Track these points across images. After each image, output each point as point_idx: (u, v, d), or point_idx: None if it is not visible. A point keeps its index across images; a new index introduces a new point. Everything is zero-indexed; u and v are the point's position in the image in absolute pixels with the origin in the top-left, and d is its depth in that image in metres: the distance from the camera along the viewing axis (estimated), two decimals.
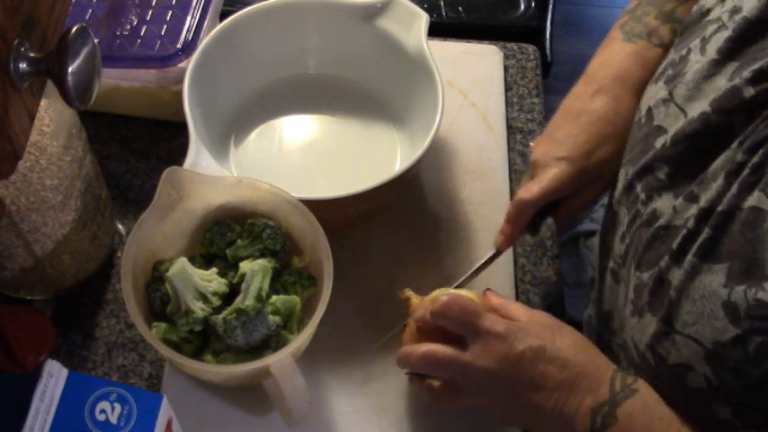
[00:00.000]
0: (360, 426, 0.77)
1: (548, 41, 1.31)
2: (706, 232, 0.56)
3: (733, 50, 0.60)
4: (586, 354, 0.65)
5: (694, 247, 0.57)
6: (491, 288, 0.73)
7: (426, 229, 0.90)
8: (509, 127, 0.99)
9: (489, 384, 0.65)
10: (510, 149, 0.97)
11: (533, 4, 1.22)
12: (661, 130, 0.64)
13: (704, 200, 0.57)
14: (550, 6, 1.36)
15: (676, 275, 0.58)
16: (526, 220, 0.76)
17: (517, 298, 0.85)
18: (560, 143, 0.75)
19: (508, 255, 0.88)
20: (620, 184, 0.69)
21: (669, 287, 0.59)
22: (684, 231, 0.58)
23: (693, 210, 0.58)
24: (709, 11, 0.66)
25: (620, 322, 0.69)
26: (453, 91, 1.00)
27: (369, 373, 0.79)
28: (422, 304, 0.71)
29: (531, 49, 1.07)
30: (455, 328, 0.66)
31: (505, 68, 1.04)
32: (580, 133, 0.74)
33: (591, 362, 0.64)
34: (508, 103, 1.01)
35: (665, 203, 0.62)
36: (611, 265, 0.70)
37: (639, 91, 0.74)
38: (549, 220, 0.81)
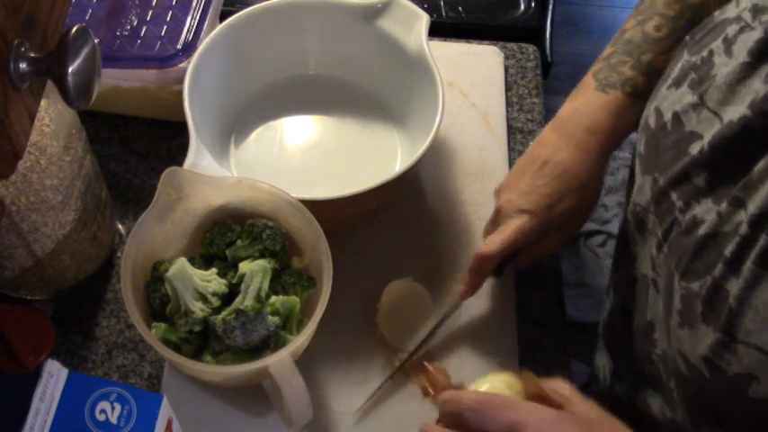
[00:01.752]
0: (359, 426, 0.77)
1: (548, 41, 1.31)
2: (764, 239, 0.55)
3: (765, 51, 0.58)
4: None
5: (753, 255, 0.55)
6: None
7: (426, 229, 0.89)
8: (509, 127, 0.99)
9: None
10: (510, 150, 0.97)
11: (533, 4, 1.22)
12: (695, 135, 0.62)
13: (753, 205, 0.56)
14: (550, 6, 1.36)
15: (734, 285, 0.56)
16: (489, 272, 0.78)
17: (517, 298, 0.85)
18: (523, 194, 0.75)
19: None
20: (648, 192, 0.67)
21: (727, 296, 0.56)
22: (738, 238, 0.56)
23: (742, 215, 0.57)
24: (723, 11, 0.65)
25: (662, 333, 0.68)
26: (454, 91, 1.00)
27: (368, 373, 0.79)
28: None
29: (531, 49, 1.07)
30: (490, 428, 0.59)
31: (505, 68, 1.04)
32: (544, 185, 0.75)
33: None
34: (508, 103, 1.01)
35: (704, 209, 0.60)
36: (652, 275, 0.68)
37: (610, 143, 0.75)
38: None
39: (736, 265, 0.56)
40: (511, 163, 0.96)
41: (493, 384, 0.65)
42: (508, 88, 1.03)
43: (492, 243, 0.75)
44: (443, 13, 1.19)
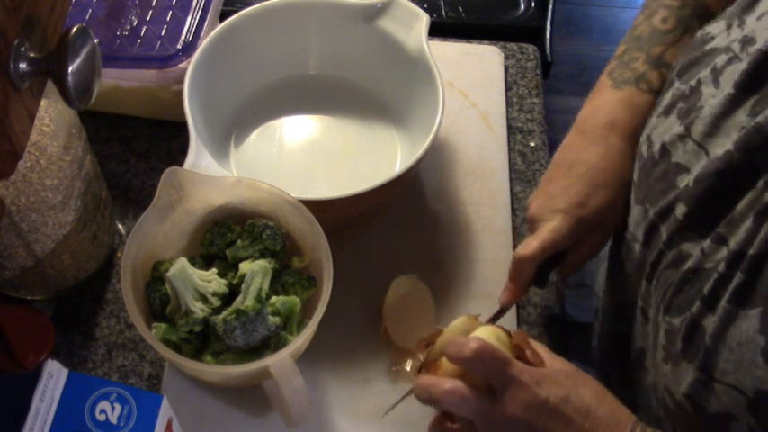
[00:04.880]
0: (359, 426, 0.77)
1: (548, 41, 1.31)
2: (738, 277, 0.54)
3: (750, 84, 0.58)
4: (608, 405, 0.63)
5: (727, 293, 0.55)
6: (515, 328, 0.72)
7: (426, 229, 0.89)
8: (509, 127, 0.99)
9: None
10: (510, 150, 0.97)
11: (533, 4, 1.22)
12: (681, 168, 0.62)
13: (734, 242, 0.56)
14: (550, 6, 1.36)
15: (710, 322, 0.56)
16: (529, 276, 0.75)
17: None
18: (554, 196, 0.75)
19: (509, 255, 0.88)
20: (638, 221, 0.67)
21: (704, 334, 0.57)
22: (716, 275, 0.56)
23: (723, 252, 0.56)
24: (712, 37, 0.64)
25: (652, 363, 0.68)
26: (454, 91, 1.00)
27: (369, 373, 0.79)
28: (449, 335, 0.69)
29: (531, 49, 1.07)
30: (484, 375, 0.64)
31: (505, 68, 1.04)
32: (573, 184, 0.74)
33: (612, 414, 0.62)
34: (508, 103, 1.01)
35: (691, 245, 0.60)
36: (641, 303, 0.68)
37: (631, 136, 0.73)
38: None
39: (712, 302, 0.56)
40: (511, 163, 0.96)
41: (484, 335, 0.68)
42: (508, 88, 1.03)
43: (529, 245, 0.74)
44: (443, 13, 1.19)
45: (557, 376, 0.64)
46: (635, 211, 0.68)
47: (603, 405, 0.62)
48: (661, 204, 0.64)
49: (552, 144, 1.03)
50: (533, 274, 0.76)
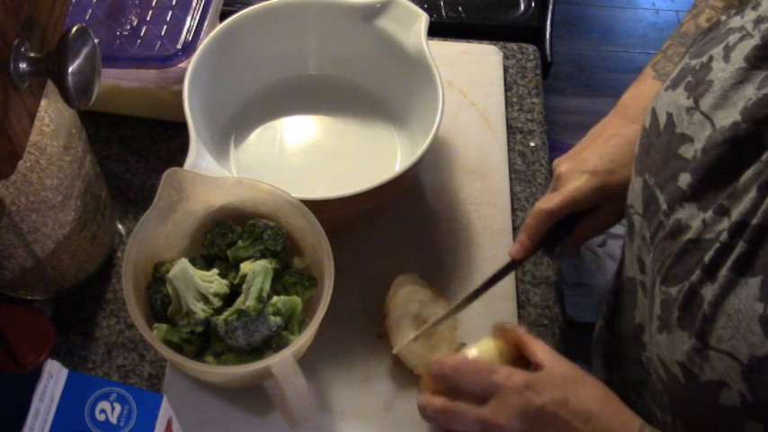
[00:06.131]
0: (360, 426, 0.77)
1: (548, 41, 1.32)
2: (741, 246, 0.55)
3: (761, 59, 0.59)
4: (612, 407, 0.62)
5: (729, 262, 0.55)
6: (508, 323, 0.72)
7: (426, 229, 0.90)
8: (509, 127, 0.99)
9: None
10: (510, 149, 0.97)
11: (533, 4, 1.22)
12: (686, 138, 0.62)
13: (736, 213, 0.56)
14: (550, 6, 1.37)
15: (710, 290, 0.56)
16: (543, 232, 0.76)
17: (517, 298, 0.85)
18: (586, 159, 0.77)
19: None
20: (638, 192, 0.68)
21: (702, 302, 0.57)
22: (717, 245, 0.56)
23: (725, 223, 0.57)
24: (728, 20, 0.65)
25: (649, 336, 0.68)
26: (453, 91, 1.00)
27: (370, 372, 0.79)
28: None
29: (531, 49, 1.07)
30: (471, 388, 0.64)
31: (505, 68, 1.04)
32: (607, 152, 0.77)
33: (617, 417, 0.62)
34: (508, 103, 1.01)
35: (689, 214, 0.60)
36: (640, 277, 0.69)
37: None
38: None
39: (712, 271, 0.57)
40: (511, 162, 0.96)
41: (482, 349, 0.69)
42: (508, 88, 1.03)
43: (550, 199, 0.75)
44: (443, 13, 1.19)
45: (554, 378, 0.63)
46: (635, 184, 0.69)
47: (606, 408, 0.62)
48: (662, 174, 0.64)
49: (552, 144, 1.03)
50: (548, 232, 0.76)
